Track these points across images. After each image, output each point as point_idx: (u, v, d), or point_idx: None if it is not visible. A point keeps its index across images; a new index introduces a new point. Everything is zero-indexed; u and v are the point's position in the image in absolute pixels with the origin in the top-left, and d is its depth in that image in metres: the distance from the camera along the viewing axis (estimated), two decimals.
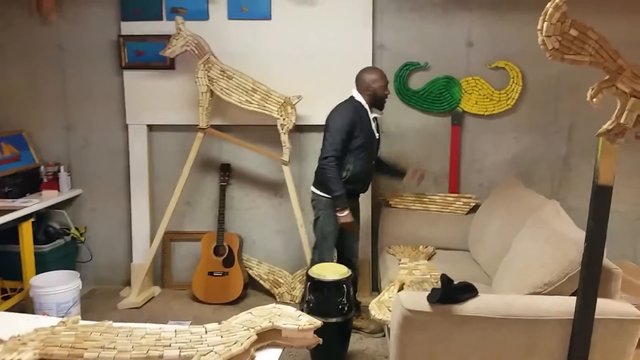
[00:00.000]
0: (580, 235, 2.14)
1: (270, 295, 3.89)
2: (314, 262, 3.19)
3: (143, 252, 3.95)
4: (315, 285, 2.78)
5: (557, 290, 2.19)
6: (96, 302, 3.87)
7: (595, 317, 2.00)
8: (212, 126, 3.73)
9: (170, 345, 1.58)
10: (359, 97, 3.16)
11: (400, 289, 2.87)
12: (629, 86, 1.61)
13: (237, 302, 3.81)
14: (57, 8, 3.83)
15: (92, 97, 3.97)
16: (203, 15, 3.70)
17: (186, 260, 4.09)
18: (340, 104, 3.18)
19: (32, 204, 3.50)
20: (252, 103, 3.54)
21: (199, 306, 3.80)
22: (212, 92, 3.60)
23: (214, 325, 1.78)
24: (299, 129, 3.74)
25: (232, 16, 3.70)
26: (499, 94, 3.65)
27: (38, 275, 3.43)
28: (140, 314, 3.68)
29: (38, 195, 3.80)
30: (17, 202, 3.50)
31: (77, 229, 4.02)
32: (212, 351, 1.53)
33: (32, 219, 3.52)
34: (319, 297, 2.77)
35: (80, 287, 3.43)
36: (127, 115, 3.90)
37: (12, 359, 1.52)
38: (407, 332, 2.10)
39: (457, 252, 3.49)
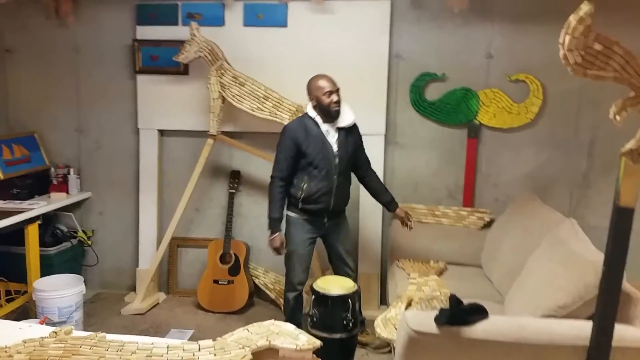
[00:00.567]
0: (598, 256, 2.04)
1: (276, 305, 3.82)
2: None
3: (149, 258, 3.91)
4: (319, 299, 2.70)
5: (572, 314, 2.09)
6: (100, 307, 3.84)
7: (613, 344, 1.89)
8: (223, 133, 3.69)
9: None
10: (310, 110, 2.97)
11: (408, 305, 2.77)
12: None
13: (242, 312, 3.74)
14: (74, 11, 3.83)
15: (105, 100, 3.96)
16: (219, 22, 3.67)
17: (192, 267, 4.04)
18: (292, 121, 3.11)
19: (39, 207, 3.48)
20: (263, 110, 3.49)
21: (203, 314, 3.75)
22: (223, 99, 3.56)
23: (208, 342, 1.71)
24: None
25: (247, 23, 3.66)
26: (518, 107, 3.54)
27: (42, 279, 3.40)
28: (144, 321, 3.63)
29: (46, 197, 3.78)
30: (25, 204, 3.49)
31: (84, 232, 4.00)
32: None
33: (39, 222, 3.49)
34: (322, 311, 2.68)
35: (84, 292, 3.40)
36: (138, 119, 3.89)
37: None
38: (412, 354, 2.02)
39: (469, 268, 3.38)
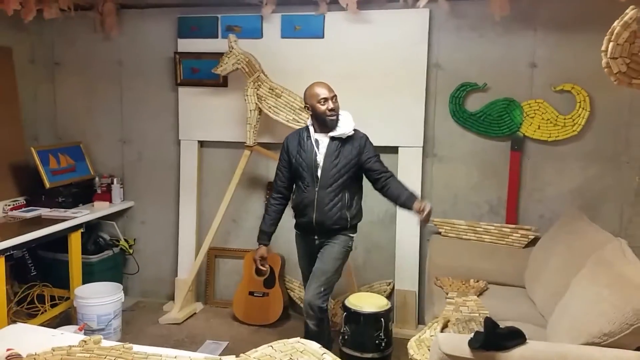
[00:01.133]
0: None
1: None
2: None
3: (188, 267, 3.96)
4: (350, 317, 2.64)
5: (618, 343, 1.94)
6: (139, 316, 3.90)
7: None
8: (260, 144, 3.69)
9: None
10: (309, 119, 2.90)
11: (445, 326, 2.67)
12: None
13: (277, 325, 3.72)
14: (118, 24, 3.96)
15: (148, 112, 4.06)
16: (257, 34, 3.70)
17: (230, 278, 4.05)
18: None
19: (82, 215, 3.59)
20: (299, 122, 3.48)
21: (238, 326, 3.74)
22: (260, 110, 3.57)
23: (230, 358, 1.69)
24: None
25: (285, 35, 3.68)
26: (564, 119, 3.37)
27: (83, 286, 3.49)
28: (180, 331, 3.66)
29: (90, 206, 3.89)
30: (69, 212, 3.60)
31: (126, 240, 4.10)
32: None
33: (82, 230, 3.60)
34: (354, 329, 2.62)
35: (123, 300, 3.46)
36: (180, 130, 3.96)
37: None
38: None
39: (511, 289, 3.22)
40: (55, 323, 3.49)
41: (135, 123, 4.10)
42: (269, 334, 3.57)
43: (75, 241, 3.52)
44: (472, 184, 3.60)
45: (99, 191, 4.00)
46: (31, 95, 4.10)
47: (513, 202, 3.53)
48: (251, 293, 3.75)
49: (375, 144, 2.93)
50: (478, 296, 3.05)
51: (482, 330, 2.01)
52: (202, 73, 3.80)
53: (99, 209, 3.85)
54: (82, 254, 3.63)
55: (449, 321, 2.66)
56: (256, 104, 3.54)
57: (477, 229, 3.50)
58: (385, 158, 2.96)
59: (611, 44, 1.38)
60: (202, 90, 3.86)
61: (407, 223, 3.61)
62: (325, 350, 1.73)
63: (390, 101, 3.56)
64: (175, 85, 3.92)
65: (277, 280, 3.72)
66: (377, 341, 2.59)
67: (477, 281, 3.24)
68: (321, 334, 2.71)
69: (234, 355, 1.70)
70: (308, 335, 2.71)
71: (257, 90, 3.54)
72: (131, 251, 4.12)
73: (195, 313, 3.93)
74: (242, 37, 3.63)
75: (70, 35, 4.11)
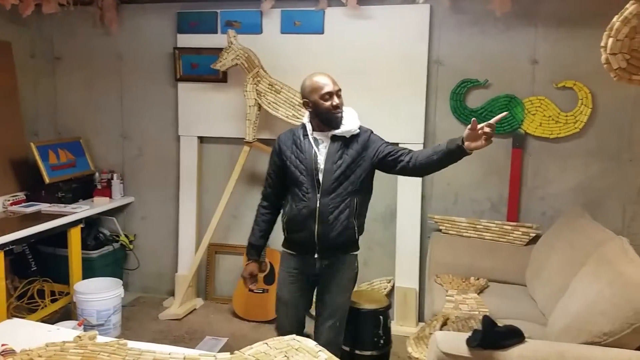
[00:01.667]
0: None
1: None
2: None
3: (188, 263, 3.95)
4: (349, 314, 2.62)
5: (618, 343, 1.93)
6: (139, 311, 3.90)
7: None
8: (260, 140, 3.68)
9: None
10: (305, 117, 2.47)
11: (444, 324, 2.65)
12: None
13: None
14: (118, 19, 3.94)
15: (148, 107, 4.05)
16: (256, 29, 3.68)
17: (230, 274, 4.05)
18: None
19: (82, 210, 3.58)
20: (299, 118, 3.46)
21: (238, 322, 3.74)
22: (259, 106, 3.56)
23: (225, 356, 1.68)
24: None
25: (284, 30, 3.66)
26: (566, 116, 3.34)
27: (82, 281, 3.49)
28: (180, 326, 3.66)
29: (90, 201, 3.89)
30: (68, 208, 3.60)
31: (126, 236, 4.09)
32: None
33: (81, 225, 3.59)
34: (352, 327, 2.60)
35: (122, 295, 3.46)
36: (179, 126, 3.94)
37: None
38: None
39: (512, 287, 3.20)
40: (55, 318, 3.49)
41: (135, 118, 4.09)
42: (268, 330, 3.56)
43: (74, 236, 3.52)
44: (473, 181, 3.58)
45: (99, 186, 4.00)
46: (31, 90, 4.10)
47: (514, 200, 3.51)
48: (251, 289, 3.74)
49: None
50: (478, 294, 3.03)
51: (480, 328, 2.00)
52: (202, 68, 3.78)
53: (99, 205, 3.84)
54: (82, 249, 3.62)
55: (448, 319, 2.65)
56: (255, 99, 3.53)
57: (478, 226, 3.48)
58: None
59: (611, 39, 1.35)
60: (201, 85, 3.84)
61: (407, 220, 3.59)
62: (321, 347, 1.72)
63: (390, 97, 3.54)
64: (175, 81, 3.91)
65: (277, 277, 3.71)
66: (375, 338, 2.58)
67: (478, 279, 3.23)
68: None
69: (229, 353, 1.69)
70: None
71: (257, 86, 3.52)
72: (131, 247, 4.11)
73: (195, 309, 3.93)
74: (242, 32, 3.61)
75: (70, 29, 4.09)
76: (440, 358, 1.90)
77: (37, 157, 3.66)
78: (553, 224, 3.24)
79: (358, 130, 2.38)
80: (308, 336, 2.09)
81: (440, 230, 3.54)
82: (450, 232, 3.52)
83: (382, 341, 2.60)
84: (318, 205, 2.31)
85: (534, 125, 3.41)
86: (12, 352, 1.71)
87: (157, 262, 4.17)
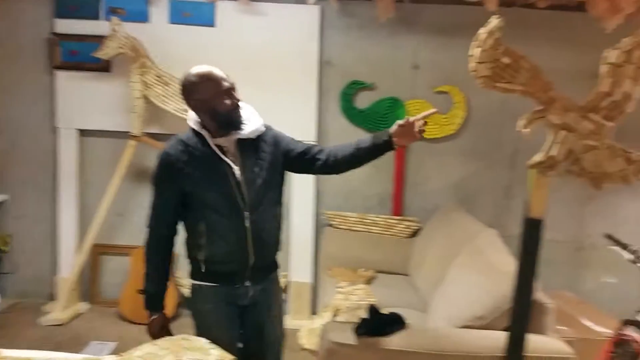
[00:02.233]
0: (514, 267, 2.08)
1: None
2: None
3: (70, 265, 3.69)
4: None
5: (490, 325, 2.13)
6: (16, 318, 3.58)
7: (526, 354, 1.92)
8: (148, 134, 3.54)
9: None
10: (192, 122, 1.96)
11: (335, 315, 2.75)
12: (559, 118, 1.55)
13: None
14: None
15: (20, 97, 3.71)
16: (142, 17, 3.53)
17: (116, 276, 3.84)
18: (167, 143, 1.99)
19: None
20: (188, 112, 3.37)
21: (126, 325, 3.57)
22: (147, 98, 3.42)
23: (112, 358, 1.61)
24: None
25: (173, 20, 3.55)
26: (443, 118, 3.61)
27: None
28: (62, 332, 3.43)
29: None
30: None
31: (1, 237, 3.73)
32: None
33: None
34: None
35: None
36: (57, 117, 3.66)
37: None
38: None
39: (397, 277, 3.41)
40: None
41: (6, 110, 3.72)
42: None
43: None
44: (363, 178, 3.72)
45: None
46: None
47: (399, 196, 3.72)
48: (140, 291, 3.58)
49: None
50: (367, 284, 3.18)
51: (367, 317, 2.11)
52: (83, 56, 3.54)
53: None
54: None
55: (338, 310, 2.75)
56: (141, 91, 3.39)
57: (366, 220, 3.64)
58: None
59: (478, 49, 1.49)
60: (83, 74, 3.60)
61: (301, 216, 3.66)
62: (213, 345, 1.71)
63: (283, 95, 3.57)
64: (52, 69, 3.62)
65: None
66: None
67: (366, 270, 3.38)
68: None
69: (115, 355, 1.62)
70: None
71: (143, 77, 3.38)
72: (6, 249, 3.76)
73: (79, 313, 3.69)
74: (127, 20, 3.44)
75: None
76: (330, 347, 1.97)
77: None
78: (432, 218, 3.49)
79: (264, 129, 2.02)
80: None
81: (331, 225, 3.66)
82: (341, 227, 3.65)
83: None
84: (248, 224, 1.92)
85: None
86: None
87: (36, 265, 3.84)
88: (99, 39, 3.40)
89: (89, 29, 3.54)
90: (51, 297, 3.79)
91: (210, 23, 3.54)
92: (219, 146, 1.92)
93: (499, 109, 3.59)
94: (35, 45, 3.64)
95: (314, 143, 2.10)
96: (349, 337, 1.99)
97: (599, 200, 3.64)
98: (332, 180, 3.73)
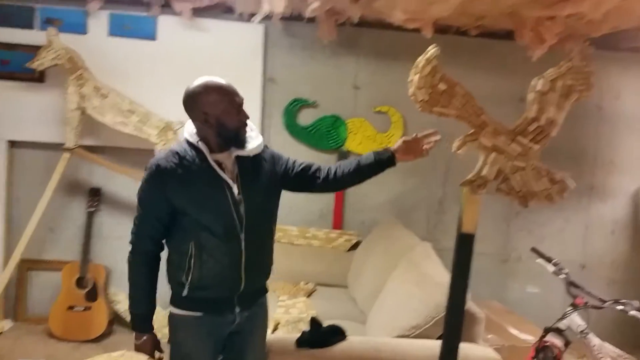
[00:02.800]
0: (447, 278, 2.20)
1: None
2: None
3: None
4: None
5: (424, 334, 2.22)
6: None
7: None
8: (83, 147, 3.44)
9: None
10: (189, 135, 1.83)
11: (276, 328, 2.77)
12: (490, 141, 1.68)
13: (100, 340, 3.46)
14: None
15: None
16: (80, 29, 3.48)
17: (45, 292, 3.67)
18: (159, 153, 1.90)
19: None
20: (127, 125, 3.33)
21: (55, 343, 3.42)
22: (83, 110, 3.33)
23: None
24: None
25: (113, 33, 3.51)
26: (382, 136, 3.76)
27: None
28: None
29: None
30: None
31: None
32: None
33: None
34: None
35: None
36: None
37: None
38: None
39: (337, 289, 3.47)
40: None
41: None
42: (91, 349, 3.32)
43: None
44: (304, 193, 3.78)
45: None
46: None
47: (339, 210, 3.81)
48: (71, 307, 3.45)
49: None
50: (307, 297, 3.22)
51: (308, 329, 2.15)
52: (14, 65, 3.43)
53: None
54: None
55: (279, 323, 2.77)
56: (78, 103, 3.30)
57: (307, 234, 3.71)
58: None
59: (416, 75, 1.60)
60: (13, 84, 3.48)
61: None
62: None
63: None
64: None
65: (101, 293, 3.49)
66: None
67: (307, 283, 3.43)
68: None
69: None
70: None
71: (80, 88, 3.29)
72: None
73: (2, 331, 3.49)
74: (64, 31, 3.37)
75: None
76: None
77: None
78: (371, 232, 3.60)
79: (263, 147, 1.91)
80: None
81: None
82: (282, 240, 3.68)
83: None
84: (244, 250, 1.80)
85: (355, 143, 3.76)
86: None
87: None
88: (32, 49, 3.30)
89: (22, 38, 3.44)
90: None
91: (151, 36, 3.53)
92: (217, 162, 1.79)
93: (434, 129, 3.77)
94: None
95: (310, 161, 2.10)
96: (291, 350, 2.02)
97: (523, 216, 3.90)
98: None
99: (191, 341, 1.85)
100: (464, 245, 1.89)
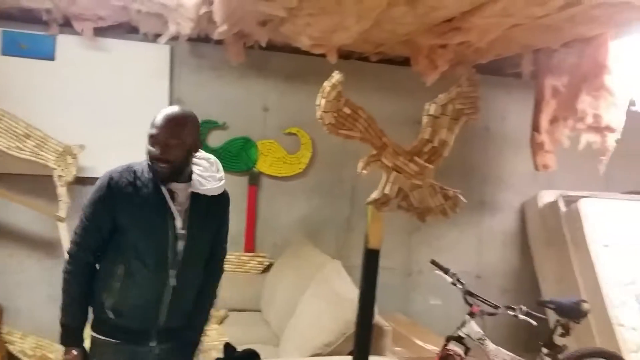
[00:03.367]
0: (356, 295, 2.28)
1: None
2: None
3: None
4: None
5: (337, 351, 2.29)
6: None
7: None
8: None
9: None
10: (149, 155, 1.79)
11: None
12: (391, 161, 1.79)
13: None
14: None
15: None
16: None
17: None
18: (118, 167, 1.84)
19: None
20: (23, 150, 3.12)
21: None
22: None
23: None
24: (82, 181, 3.36)
25: (7, 52, 3.30)
26: (292, 157, 3.83)
27: None
28: None
29: None
30: None
31: None
32: None
33: None
34: None
35: None
36: None
37: None
38: None
39: (250, 314, 3.45)
40: None
41: None
42: None
43: None
44: None
45: None
46: None
47: (251, 232, 3.81)
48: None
49: None
50: (219, 325, 3.17)
51: (222, 357, 2.13)
52: None
53: None
54: None
55: None
56: None
57: None
58: None
59: (323, 100, 1.69)
60: None
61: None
62: None
63: (131, 132, 3.46)
64: None
65: None
66: None
67: (218, 310, 3.37)
68: None
69: None
70: None
71: None
72: None
73: None
74: None
75: None
76: None
77: None
78: (283, 253, 3.63)
79: (221, 191, 1.89)
80: None
81: None
82: None
83: None
84: (170, 288, 1.76)
85: (266, 164, 3.80)
86: None
87: None
88: None
89: None
90: None
91: (49, 56, 3.36)
92: (170, 191, 1.76)
93: (341, 150, 3.91)
94: None
95: (223, 255, 2.09)
96: None
97: (423, 231, 4.11)
98: None
99: None
100: (371, 260, 1.99)
